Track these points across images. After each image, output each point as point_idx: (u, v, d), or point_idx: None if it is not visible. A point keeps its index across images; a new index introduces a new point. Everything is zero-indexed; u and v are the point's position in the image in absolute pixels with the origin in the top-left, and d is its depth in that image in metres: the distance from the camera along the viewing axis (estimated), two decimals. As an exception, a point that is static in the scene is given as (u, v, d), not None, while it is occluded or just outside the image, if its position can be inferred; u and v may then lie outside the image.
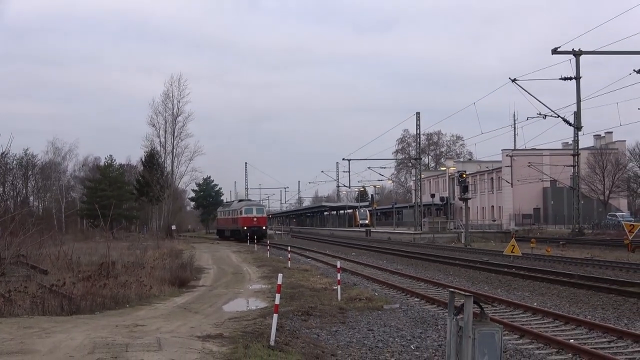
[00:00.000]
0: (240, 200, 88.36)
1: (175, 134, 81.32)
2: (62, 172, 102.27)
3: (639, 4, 48.24)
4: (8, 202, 73.13)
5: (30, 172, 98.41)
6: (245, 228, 72.58)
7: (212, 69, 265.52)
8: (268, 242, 57.22)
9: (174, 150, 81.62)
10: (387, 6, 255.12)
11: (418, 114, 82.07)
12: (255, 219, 74.08)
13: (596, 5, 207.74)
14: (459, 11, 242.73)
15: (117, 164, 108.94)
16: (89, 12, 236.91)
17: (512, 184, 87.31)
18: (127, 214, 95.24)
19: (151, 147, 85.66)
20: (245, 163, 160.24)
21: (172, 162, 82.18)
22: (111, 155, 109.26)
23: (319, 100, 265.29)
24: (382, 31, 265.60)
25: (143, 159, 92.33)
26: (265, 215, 79.80)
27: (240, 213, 76.06)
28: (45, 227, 39.71)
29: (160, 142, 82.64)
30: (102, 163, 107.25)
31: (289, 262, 36.74)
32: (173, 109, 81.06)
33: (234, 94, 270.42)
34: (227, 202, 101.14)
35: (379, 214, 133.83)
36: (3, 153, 69.08)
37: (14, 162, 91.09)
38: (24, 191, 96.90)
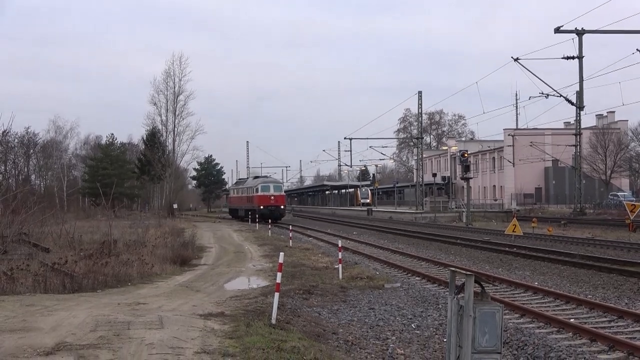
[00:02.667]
0: (256, 177, 78.60)
1: (177, 113, 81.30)
2: (63, 150, 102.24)
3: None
4: (10, 181, 73.20)
5: (31, 151, 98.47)
6: (261, 207, 65.24)
7: (215, 50, 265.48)
8: (270, 220, 56.59)
9: (176, 129, 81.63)
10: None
11: (420, 93, 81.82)
12: (272, 197, 66.75)
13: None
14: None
15: (119, 142, 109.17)
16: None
17: (513, 163, 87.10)
18: (128, 193, 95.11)
19: (152, 125, 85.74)
20: (247, 142, 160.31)
21: (174, 141, 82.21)
22: (112, 134, 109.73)
23: (321, 81, 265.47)
24: (384, 11, 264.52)
25: (144, 138, 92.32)
26: (283, 193, 72.69)
27: (256, 191, 68.59)
28: (47, 205, 39.71)
29: (162, 121, 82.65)
30: (103, 141, 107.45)
31: (290, 241, 36.80)
32: (174, 88, 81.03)
33: (236, 74, 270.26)
34: (240, 178, 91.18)
35: (380, 193, 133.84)
36: (4, 131, 68.94)
37: (16, 140, 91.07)
38: (26, 170, 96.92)
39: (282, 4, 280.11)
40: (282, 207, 68.71)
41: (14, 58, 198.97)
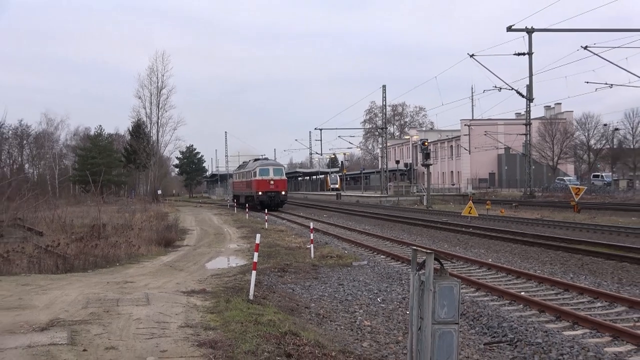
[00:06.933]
0: (256, 160, 64.92)
1: (160, 106, 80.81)
2: (55, 141, 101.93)
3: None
4: (5, 169, 72.64)
5: (25, 142, 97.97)
6: (260, 194, 55.90)
7: (196, 45, 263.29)
8: (247, 205, 55.40)
9: (159, 121, 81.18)
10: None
11: (384, 86, 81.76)
12: (272, 182, 56.30)
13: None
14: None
15: (106, 133, 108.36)
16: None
17: (469, 151, 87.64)
18: (116, 180, 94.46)
19: (138, 117, 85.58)
20: (225, 132, 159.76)
21: (158, 132, 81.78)
22: (100, 126, 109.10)
23: (294, 74, 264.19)
24: (353, 9, 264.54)
25: (130, 129, 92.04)
26: (284, 177, 59.38)
27: (254, 175, 57.46)
28: (40, 192, 39.35)
29: (146, 113, 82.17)
30: (92, 133, 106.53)
31: (266, 223, 36.78)
32: (158, 82, 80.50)
33: (216, 68, 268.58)
34: (244, 162, 74.28)
35: (348, 179, 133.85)
36: (-2, 124, 68.24)
37: (10, 132, 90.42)
38: (20, 159, 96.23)
39: (258, 3, 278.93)
40: (282, 192, 57.61)
41: (6, 52, 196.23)
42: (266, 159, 66.27)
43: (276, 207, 55.22)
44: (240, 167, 74.76)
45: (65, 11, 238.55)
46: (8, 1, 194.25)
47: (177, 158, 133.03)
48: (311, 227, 23.87)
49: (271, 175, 56.53)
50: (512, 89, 52.38)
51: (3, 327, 9.36)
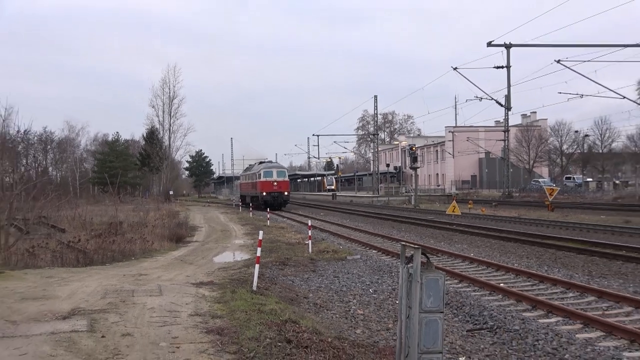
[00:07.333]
0: (261, 163, 62.80)
1: (172, 114, 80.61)
2: (76, 146, 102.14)
3: (557, 5, 48.27)
4: (30, 172, 72.39)
5: (49, 147, 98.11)
6: (264, 194, 54.74)
7: (202, 57, 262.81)
8: (251, 204, 55.33)
9: (171, 128, 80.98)
10: (355, 6, 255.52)
11: (376, 97, 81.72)
12: (275, 183, 55.27)
13: (525, 6, 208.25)
14: (414, 10, 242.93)
15: (123, 139, 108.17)
16: (103, 8, 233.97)
17: (453, 155, 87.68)
18: (131, 182, 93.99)
19: (151, 125, 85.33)
20: (231, 138, 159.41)
21: (169, 138, 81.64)
22: (117, 132, 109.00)
23: (295, 83, 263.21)
24: (349, 24, 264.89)
25: (145, 135, 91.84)
26: (287, 179, 58.15)
27: (259, 177, 56.66)
28: (62, 193, 39.28)
29: (159, 121, 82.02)
30: (110, 139, 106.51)
31: (268, 221, 36.79)
32: (170, 93, 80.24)
33: (223, 78, 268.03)
34: (250, 165, 72.28)
35: (343, 180, 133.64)
36: (25, 131, 68.21)
37: (35, 138, 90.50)
38: (44, 162, 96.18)
39: (262, 18, 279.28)
40: (285, 193, 56.35)
41: (33, 65, 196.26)
42: (270, 162, 64.75)
43: (279, 206, 54.22)
44: (246, 169, 73.29)
45: (87, 25, 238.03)
46: (36, 18, 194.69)
47: (187, 162, 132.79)
48: (309, 224, 23.91)
49: (274, 177, 55.65)
50: (492, 99, 52.48)
51: (29, 315, 9.36)
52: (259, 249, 13.18)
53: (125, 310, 9.81)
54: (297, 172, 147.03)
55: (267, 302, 10.84)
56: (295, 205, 67.08)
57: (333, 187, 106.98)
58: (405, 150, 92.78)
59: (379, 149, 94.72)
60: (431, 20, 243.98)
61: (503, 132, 59.85)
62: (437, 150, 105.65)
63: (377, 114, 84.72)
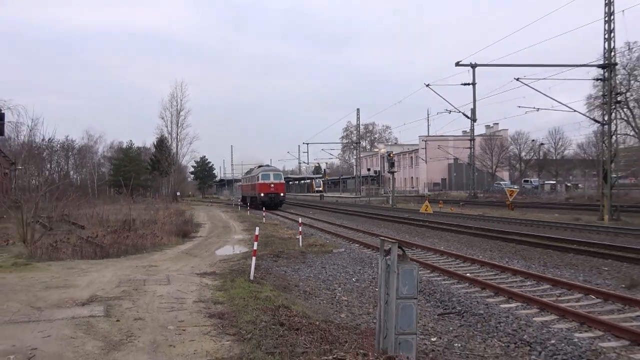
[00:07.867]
0: (260, 166, 61.60)
1: (179, 125, 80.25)
2: (94, 152, 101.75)
3: (518, 29, 48.37)
4: (54, 176, 72.02)
5: (70, 153, 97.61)
6: (262, 195, 53.42)
7: (207, 74, 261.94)
8: (250, 204, 55.05)
9: (178, 137, 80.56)
10: (339, 30, 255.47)
11: (358, 109, 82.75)
12: (272, 185, 53.97)
13: (491, 30, 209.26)
14: (392, 32, 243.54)
15: (136, 146, 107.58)
16: (119, 31, 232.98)
17: (426, 161, 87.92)
18: (143, 184, 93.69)
19: (161, 134, 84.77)
20: (231, 146, 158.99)
21: (177, 145, 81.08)
22: (131, 140, 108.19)
23: (286, 96, 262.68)
24: (336, 46, 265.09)
25: (155, 143, 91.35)
26: (283, 181, 57.03)
27: (258, 179, 55.56)
28: (82, 194, 39.09)
29: (168, 131, 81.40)
30: (124, 146, 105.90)
31: (264, 218, 36.72)
32: (177, 106, 79.71)
33: (224, 92, 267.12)
34: (250, 169, 69.72)
35: (329, 183, 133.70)
36: (50, 139, 67.68)
37: (58, 145, 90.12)
38: (66, 167, 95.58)
39: (259, 41, 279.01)
40: (281, 194, 55.03)
41: (57, 80, 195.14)
42: (268, 166, 63.25)
43: (276, 206, 52.98)
44: (247, 173, 72.24)
45: (105, 44, 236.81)
46: (63, 39, 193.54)
47: (192, 166, 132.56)
48: (300, 221, 23.89)
49: (272, 179, 54.50)
50: (460, 112, 52.50)
51: (52, 302, 9.30)
52: (255, 243, 13.16)
53: (138, 297, 9.77)
54: (289, 176, 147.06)
55: (262, 289, 10.83)
56: (288, 205, 66.91)
57: (321, 189, 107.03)
58: (384, 157, 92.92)
59: (361, 155, 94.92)
60: (410, 42, 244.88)
61: (469, 141, 60.06)
62: (411, 157, 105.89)
63: (359, 124, 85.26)
